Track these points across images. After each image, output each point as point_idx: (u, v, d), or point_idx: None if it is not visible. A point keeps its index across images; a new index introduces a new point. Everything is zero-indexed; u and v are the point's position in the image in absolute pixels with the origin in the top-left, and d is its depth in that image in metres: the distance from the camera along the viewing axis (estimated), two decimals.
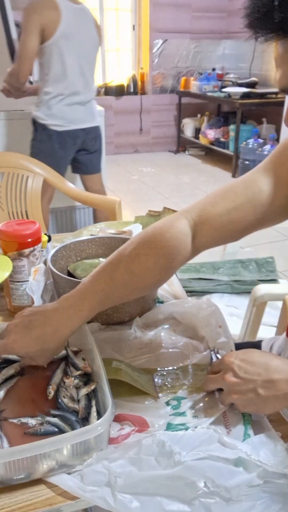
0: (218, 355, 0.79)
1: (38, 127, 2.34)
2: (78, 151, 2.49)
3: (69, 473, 0.59)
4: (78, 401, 0.69)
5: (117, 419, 0.67)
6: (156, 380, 0.77)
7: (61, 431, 0.64)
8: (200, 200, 0.77)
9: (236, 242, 1.35)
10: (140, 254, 0.71)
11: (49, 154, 2.27)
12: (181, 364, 0.81)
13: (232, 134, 5.01)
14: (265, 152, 4.37)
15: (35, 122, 2.35)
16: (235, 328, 1.41)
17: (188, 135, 5.89)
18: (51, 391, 0.71)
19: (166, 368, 0.80)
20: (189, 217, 0.75)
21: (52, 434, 0.63)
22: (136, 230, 1.22)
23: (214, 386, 0.70)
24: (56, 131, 2.33)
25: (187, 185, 4.73)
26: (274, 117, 4.98)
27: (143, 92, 5.82)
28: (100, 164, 2.64)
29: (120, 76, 5.79)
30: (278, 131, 4.81)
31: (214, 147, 5.38)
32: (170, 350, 0.84)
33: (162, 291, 1.03)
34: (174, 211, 1.27)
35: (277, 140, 4.37)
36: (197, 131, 5.76)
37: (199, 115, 5.87)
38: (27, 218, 1.83)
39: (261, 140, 4.61)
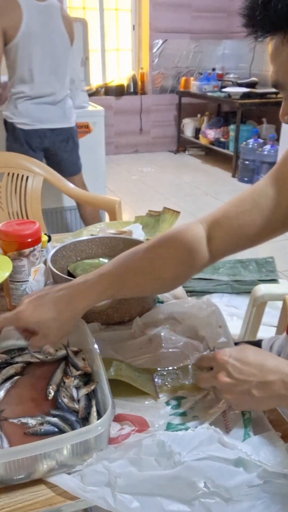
0: None
1: (8, 126, 2.34)
2: (49, 153, 2.45)
3: (69, 473, 0.59)
4: (78, 401, 0.69)
5: (117, 419, 0.67)
6: (156, 380, 0.77)
7: (61, 431, 0.64)
8: (214, 209, 0.80)
9: None
10: (160, 246, 0.75)
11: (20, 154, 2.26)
12: (181, 364, 0.81)
13: (232, 134, 5.00)
14: (265, 152, 4.37)
15: (5, 122, 2.35)
16: (235, 328, 1.41)
17: (188, 135, 5.89)
18: (51, 391, 0.71)
19: (166, 368, 0.80)
20: (204, 223, 0.78)
21: (52, 434, 0.63)
22: (136, 230, 1.22)
23: (207, 384, 0.70)
24: (23, 130, 2.31)
25: (187, 185, 4.73)
26: (274, 117, 4.98)
27: (143, 92, 5.81)
28: (78, 165, 2.59)
29: (120, 76, 5.79)
30: (278, 131, 4.80)
31: (214, 147, 5.38)
32: (170, 350, 0.84)
33: None
34: (174, 211, 1.27)
35: (277, 140, 4.36)
36: (197, 131, 5.76)
37: (199, 115, 5.87)
38: (27, 218, 1.83)
39: (261, 140, 4.61)
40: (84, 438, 0.58)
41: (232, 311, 1.53)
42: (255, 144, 4.57)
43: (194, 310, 0.91)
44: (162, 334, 0.88)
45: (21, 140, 2.33)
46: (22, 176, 1.81)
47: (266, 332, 1.37)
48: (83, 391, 0.70)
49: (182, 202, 4.16)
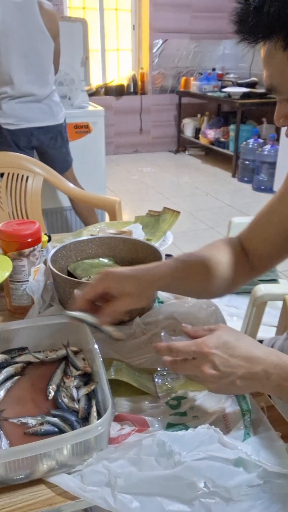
0: None
1: None
2: (39, 151, 2.43)
3: (69, 473, 0.59)
4: (78, 401, 0.69)
5: (117, 419, 0.67)
6: (156, 380, 0.77)
7: (61, 431, 0.64)
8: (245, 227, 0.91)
9: None
10: (212, 247, 0.87)
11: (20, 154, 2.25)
12: None
13: (232, 134, 5.00)
14: (265, 152, 4.37)
15: None
16: (235, 328, 1.41)
17: (188, 135, 5.89)
18: (51, 391, 0.71)
19: (166, 368, 0.80)
20: (238, 236, 0.90)
21: (52, 434, 0.63)
22: (136, 230, 1.22)
23: (185, 372, 0.68)
24: (9, 130, 2.30)
25: (187, 185, 4.73)
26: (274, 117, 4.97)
27: (143, 92, 5.81)
28: (68, 161, 2.57)
29: (120, 76, 5.80)
30: (278, 131, 4.80)
31: (214, 147, 5.38)
32: None
33: None
34: (174, 211, 1.27)
35: (277, 140, 4.36)
36: (197, 131, 5.76)
37: (199, 115, 5.87)
38: (27, 218, 1.83)
39: (261, 140, 4.61)
40: (84, 438, 0.58)
41: (232, 311, 1.53)
42: (255, 144, 4.57)
43: (194, 310, 0.91)
44: (162, 334, 0.88)
45: (9, 141, 2.31)
46: (22, 176, 1.81)
47: (266, 332, 1.37)
48: (83, 391, 0.70)
49: (182, 202, 4.16)
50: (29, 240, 0.91)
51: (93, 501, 0.55)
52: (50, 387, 0.72)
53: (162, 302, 0.99)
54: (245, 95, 4.71)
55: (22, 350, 0.80)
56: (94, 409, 0.67)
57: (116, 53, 5.72)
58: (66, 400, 0.69)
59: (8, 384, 0.74)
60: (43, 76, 2.34)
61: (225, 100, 5.00)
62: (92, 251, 1.06)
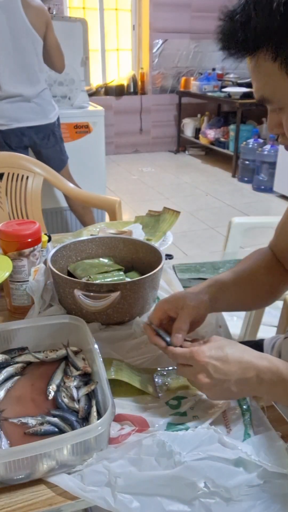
0: None
1: None
2: (33, 150, 2.41)
3: (69, 473, 0.59)
4: (78, 401, 0.69)
5: (117, 419, 0.67)
6: (156, 380, 0.77)
7: (61, 431, 0.64)
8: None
9: (236, 242, 1.39)
10: (251, 259, 0.91)
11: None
12: None
13: (232, 134, 5.01)
14: (265, 152, 4.37)
15: None
16: (235, 328, 1.41)
17: (188, 135, 5.89)
18: (51, 391, 0.71)
19: (166, 368, 0.80)
20: (268, 245, 0.94)
21: (52, 434, 0.63)
22: (136, 230, 1.22)
23: (183, 376, 0.72)
24: (0, 131, 2.29)
25: (187, 185, 4.73)
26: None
27: (143, 92, 5.82)
28: (63, 159, 2.55)
29: (120, 76, 5.80)
30: None
31: (214, 147, 5.38)
32: None
33: (162, 291, 1.03)
34: (174, 211, 1.27)
35: (277, 140, 4.36)
36: (197, 131, 5.76)
37: (199, 115, 5.87)
38: (27, 218, 1.83)
39: (261, 140, 4.61)
40: (84, 438, 0.58)
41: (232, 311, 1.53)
42: (255, 144, 4.57)
43: None
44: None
45: (0, 141, 2.30)
46: (22, 176, 1.81)
47: (266, 332, 1.37)
48: (83, 391, 0.70)
49: (182, 202, 4.16)
50: (29, 240, 0.91)
51: (93, 501, 0.55)
52: (50, 387, 0.72)
53: None
54: (245, 95, 4.71)
55: (22, 350, 0.80)
56: (94, 409, 0.67)
57: (116, 53, 5.72)
58: (66, 400, 0.69)
59: (8, 384, 0.74)
60: (32, 75, 2.31)
61: (225, 100, 5.00)
62: (92, 251, 1.06)
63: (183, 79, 5.72)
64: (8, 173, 1.80)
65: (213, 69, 5.59)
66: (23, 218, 1.82)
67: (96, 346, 0.74)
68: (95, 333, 0.84)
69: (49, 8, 3.99)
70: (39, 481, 0.58)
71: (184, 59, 5.77)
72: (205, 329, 0.87)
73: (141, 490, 0.55)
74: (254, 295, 0.89)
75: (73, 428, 0.64)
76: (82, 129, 2.92)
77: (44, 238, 1.01)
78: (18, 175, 1.80)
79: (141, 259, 1.04)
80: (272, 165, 4.31)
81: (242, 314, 1.42)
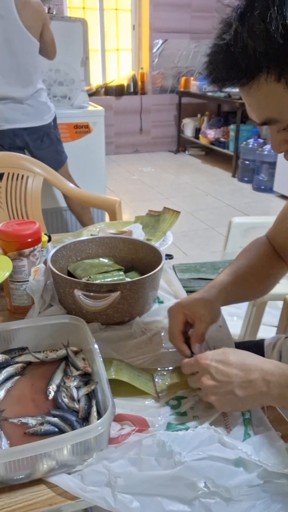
0: None
1: None
2: (28, 151, 2.40)
3: (69, 473, 0.59)
4: (78, 401, 0.69)
5: (117, 419, 0.67)
6: (156, 380, 0.77)
7: (61, 431, 0.64)
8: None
9: (236, 242, 1.39)
10: (250, 252, 0.94)
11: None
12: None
13: (232, 134, 5.00)
14: (265, 152, 4.37)
15: None
16: (235, 328, 1.41)
17: (188, 135, 5.89)
18: (51, 391, 0.71)
19: (166, 368, 0.80)
20: (266, 235, 0.97)
21: (52, 434, 0.63)
22: (136, 230, 1.22)
23: (193, 386, 0.72)
24: None
25: (187, 185, 4.73)
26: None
27: (143, 92, 5.82)
28: (59, 160, 2.52)
29: (120, 76, 5.80)
30: None
31: (214, 147, 5.38)
32: (170, 350, 0.84)
33: (162, 291, 1.03)
34: (174, 211, 1.27)
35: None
36: (197, 131, 5.76)
37: (199, 115, 5.87)
38: (27, 218, 1.83)
39: (261, 140, 4.61)
40: (84, 438, 0.58)
41: (232, 311, 1.53)
42: (255, 144, 4.57)
43: None
44: (162, 334, 0.88)
45: None
46: (22, 176, 1.81)
47: (266, 332, 1.37)
48: (83, 391, 0.70)
49: (182, 202, 4.16)
50: (29, 240, 0.91)
51: (93, 501, 0.55)
52: (50, 387, 0.72)
53: (162, 302, 0.99)
54: None
55: (22, 350, 0.80)
56: (94, 409, 0.67)
57: (116, 53, 5.72)
58: (66, 400, 0.69)
59: (8, 384, 0.74)
60: (24, 77, 2.28)
61: (225, 100, 5.00)
62: (92, 251, 1.07)
63: (183, 79, 5.72)
64: (8, 173, 1.80)
65: None
66: (23, 218, 1.82)
67: (96, 346, 0.74)
68: (95, 333, 0.84)
69: (49, 8, 3.99)
70: (39, 481, 0.58)
71: (184, 59, 5.77)
72: None
73: (141, 490, 0.55)
74: (255, 287, 0.93)
75: (73, 428, 0.64)
76: (82, 129, 2.92)
77: (44, 238, 1.01)
78: (18, 175, 1.80)
79: (141, 259, 1.04)
80: (272, 165, 4.32)
81: (242, 314, 1.42)
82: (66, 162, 2.60)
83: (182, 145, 6.02)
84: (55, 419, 0.65)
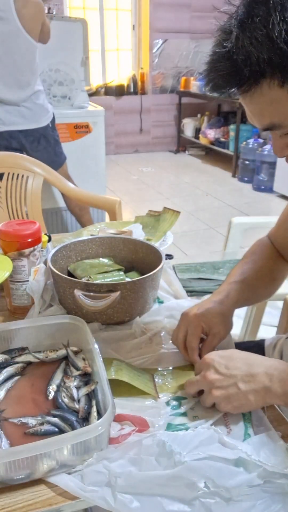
0: None
1: None
2: (25, 153, 2.39)
3: (69, 473, 0.59)
4: (78, 401, 0.69)
5: (117, 419, 0.67)
6: (156, 380, 0.77)
7: (61, 431, 0.64)
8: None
9: (236, 242, 1.40)
10: (255, 254, 0.95)
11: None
12: (181, 364, 0.81)
13: (232, 134, 5.01)
14: (265, 152, 4.37)
15: None
16: (235, 328, 1.40)
17: (188, 135, 5.89)
18: (51, 391, 0.71)
19: (166, 368, 0.80)
20: (268, 236, 0.98)
21: (52, 434, 0.63)
22: (136, 230, 1.22)
23: (195, 388, 0.71)
24: None
25: (187, 185, 4.73)
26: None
27: (143, 92, 5.82)
28: (56, 161, 2.50)
29: (120, 76, 5.80)
30: None
31: (214, 147, 5.38)
32: (170, 350, 0.84)
33: (162, 291, 1.03)
34: (174, 211, 1.27)
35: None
36: (197, 131, 5.76)
37: (199, 115, 5.87)
38: (27, 218, 1.83)
39: (261, 140, 4.61)
40: (84, 438, 0.58)
41: None
42: (255, 144, 4.57)
43: None
44: (162, 334, 0.88)
45: None
46: (22, 176, 1.81)
47: (266, 332, 1.37)
48: (83, 391, 0.70)
49: (182, 202, 4.16)
50: (29, 240, 0.91)
51: (93, 501, 0.55)
52: (50, 387, 0.72)
53: (162, 302, 0.99)
54: None
55: (22, 350, 0.80)
56: (94, 409, 0.67)
57: (116, 53, 5.72)
58: (66, 400, 0.69)
59: (8, 384, 0.74)
60: (21, 79, 2.27)
61: (225, 100, 5.00)
62: (92, 251, 1.07)
63: (183, 79, 5.72)
64: (8, 173, 1.80)
65: None
66: (23, 218, 1.82)
67: (96, 346, 0.74)
68: (95, 333, 0.84)
69: (49, 8, 3.99)
70: (39, 481, 0.58)
71: (184, 59, 5.77)
72: None
73: (141, 490, 0.55)
74: (260, 292, 0.94)
75: (73, 428, 0.64)
76: (82, 129, 2.92)
77: (44, 238, 1.01)
78: (18, 175, 1.80)
79: (141, 259, 1.04)
80: (272, 165, 4.32)
81: (242, 314, 1.42)
82: (65, 163, 2.60)
83: (182, 145, 6.02)
84: (55, 419, 0.65)
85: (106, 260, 1.05)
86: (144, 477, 0.56)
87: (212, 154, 5.70)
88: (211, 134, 5.42)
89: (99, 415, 0.66)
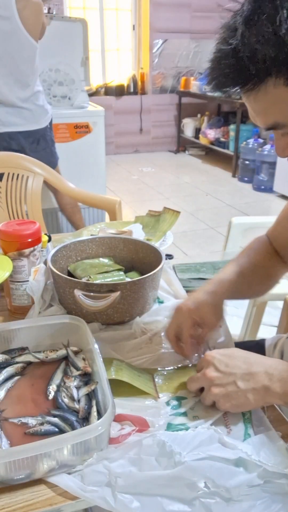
0: None
1: None
2: (23, 153, 2.42)
3: (69, 473, 0.59)
4: (78, 401, 0.69)
5: (117, 419, 0.67)
6: (156, 380, 0.77)
7: (62, 431, 0.64)
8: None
9: (236, 242, 1.40)
10: (252, 250, 0.94)
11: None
12: (181, 364, 0.81)
13: (232, 134, 5.00)
14: (265, 152, 4.37)
15: None
16: (235, 328, 1.41)
17: (188, 135, 5.89)
18: (51, 391, 0.71)
19: (166, 368, 0.80)
20: (266, 235, 0.97)
21: (53, 434, 0.63)
22: (136, 230, 1.22)
23: (196, 385, 0.71)
24: None
25: (187, 185, 4.73)
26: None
27: (143, 92, 5.82)
28: (52, 161, 2.48)
29: (120, 76, 5.80)
30: None
31: (214, 147, 5.38)
32: (170, 350, 0.84)
33: (162, 291, 1.03)
34: (174, 211, 1.27)
35: None
36: (197, 131, 5.76)
37: (199, 115, 5.87)
38: (27, 218, 1.83)
39: (261, 140, 4.61)
40: (84, 438, 0.58)
41: (232, 311, 1.53)
42: (255, 144, 4.57)
43: None
44: (162, 334, 0.88)
45: None
46: (22, 176, 1.81)
47: (266, 332, 1.37)
48: (83, 391, 0.70)
49: (182, 202, 4.16)
50: (29, 240, 0.91)
51: (93, 501, 0.55)
52: (50, 387, 0.72)
53: (162, 302, 0.99)
54: None
55: (22, 350, 0.80)
56: (94, 409, 0.67)
57: (116, 53, 5.72)
58: (66, 400, 0.69)
59: (8, 384, 0.74)
60: (21, 80, 2.26)
61: (225, 100, 5.00)
62: (92, 251, 1.07)
63: (183, 79, 5.72)
64: (8, 173, 1.80)
65: None
66: (23, 218, 1.82)
67: (96, 346, 0.74)
68: (95, 333, 0.84)
69: (49, 8, 3.99)
70: (39, 481, 0.58)
71: (184, 59, 5.77)
72: None
73: (141, 490, 0.55)
74: (255, 287, 0.95)
75: (73, 428, 0.64)
76: (82, 129, 2.92)
77: (44, 238, 1.01)
78: (18, 175, 1.80)
79: (141, 259, 1.04)
80: (272, 165, 4.32)
81: (242, 314, 1.42)
82: (58, 164, 2.59)
83: (182, 145, 6.02)
84: (55, 419, 0.65)
85: (106, 260, 1.05)
86: (144, 477, 0.56)
87: (212, 154, 5.70)
88: (211, 134, 5.41)
89: (99, 415, 0.66)
